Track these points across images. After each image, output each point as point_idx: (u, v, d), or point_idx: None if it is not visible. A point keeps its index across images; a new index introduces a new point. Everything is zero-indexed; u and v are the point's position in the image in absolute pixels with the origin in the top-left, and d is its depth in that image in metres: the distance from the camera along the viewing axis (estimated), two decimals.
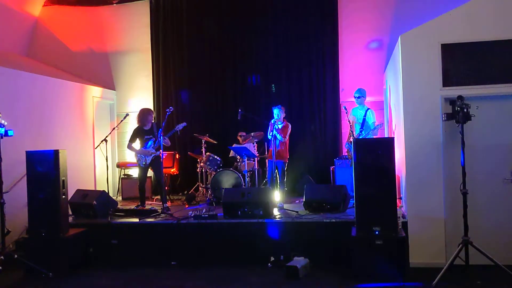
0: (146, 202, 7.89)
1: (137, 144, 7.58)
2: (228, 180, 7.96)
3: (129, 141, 7.62)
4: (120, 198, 9.20)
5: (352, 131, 7.44)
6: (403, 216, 5.88)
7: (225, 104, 9.69)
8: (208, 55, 9.75)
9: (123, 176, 9.52)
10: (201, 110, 9.75)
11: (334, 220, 6.10)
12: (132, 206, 7.59)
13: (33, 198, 5.99)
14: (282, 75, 9.46)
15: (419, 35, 5.84)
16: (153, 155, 7.42)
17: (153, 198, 8.61)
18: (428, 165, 5.73)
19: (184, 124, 7.55)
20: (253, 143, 8.44)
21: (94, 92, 9.58)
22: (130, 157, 9.51)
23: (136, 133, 7.60)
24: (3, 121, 5.56)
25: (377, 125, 7.27)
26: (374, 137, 7.28)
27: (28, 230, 6.20)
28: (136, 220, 6.63)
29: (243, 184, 7.80)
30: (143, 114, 7.62)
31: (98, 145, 8.03)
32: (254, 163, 8.27)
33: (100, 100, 9.79)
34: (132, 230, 6.52)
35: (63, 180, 6.00)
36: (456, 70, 5.70)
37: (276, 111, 7.74)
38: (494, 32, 5.64)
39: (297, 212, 6.59)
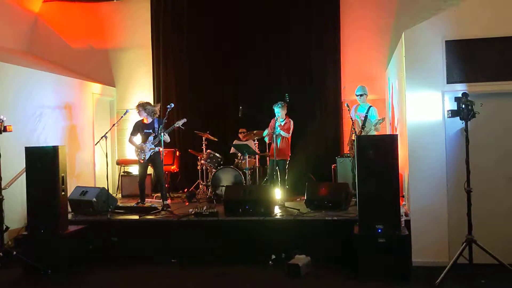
0: (146, 199, 7.84)
1: (138, 138, 7.53)
2: (228, 177, 7.90)
3: (131, 134, 7.57)
4: (120, 195, 9.15)
5: (354, 129, 7.38)
6: (406, 214, 5.81)
7: (226, 101, 9.64)
8: (209, 51, 9.69)
9: (123, 173, 9.47)
10: (202, 107, 9.70)
11: (336, 218, 6.05)
12: (132, 203, 7.53)
13: (32, 194, 5.93)
14: (283, 72, 9.41)
15: (423, 31, 5.79)
16: (151, 151, 7.35)
17: (153, 196, 8.55)
18: (432, 162, 5.69)
19: (184, 120, 7.48)
20: (254, 141, 8.39)
21: (94, 88, 9.54)
22: (130, 154, 9.46)
23: (137, 127, 7.54)
24: (2, 117, 5.51)
25: (379, 119, 7.21)
26: (377, 133, 7.23)
27: (27, 227, 6.15)
28: (136, 217, 6.59)
29: (244, 181, 7.75)
30: (153, 109, 7.52)
31: (98, 141, 7.95)
32: (255, 161, 8.22)
33: (100, 96, 9.74)
34: (132, 228, 6.49)
35: (63, 177, 5.95)
36: (460, 67, 5.66)
37: (276, 109, 7.67)
38: (498, 29, 5.59)
39: (298, 210, 6.54)
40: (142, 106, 7.45)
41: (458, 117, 5.05)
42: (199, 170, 8.70)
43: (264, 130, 8.09)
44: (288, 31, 9.41)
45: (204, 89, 9.73)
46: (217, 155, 8.37)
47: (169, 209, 7.00)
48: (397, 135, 6.11)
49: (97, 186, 8.59)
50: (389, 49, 8.63)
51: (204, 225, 6.25)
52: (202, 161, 8.44)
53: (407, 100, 5.81)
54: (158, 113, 7.62)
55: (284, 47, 9.43)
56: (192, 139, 9.30)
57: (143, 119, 7.52)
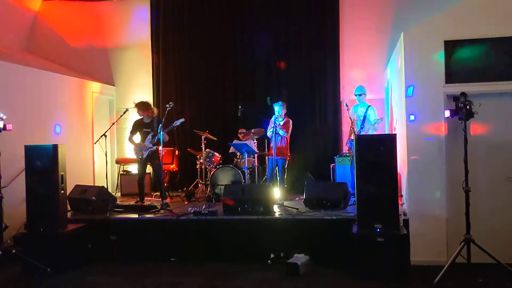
0: (146, 198, 7.85)
1: (137, 137, 7.55)
2: (227, 176, 7.91)
3: (130, 133, 7.59)
4: (119, 194, 9.16)
5: (353, 128, 7.40)
6: (405, 214, 5.84)
7: (225, 100, 9.65)
8: (209, 50, 9.70)
9: (122, 172, 9.48)
10: (201, 106, 9.71)
11: (334, 217, 6.05)
12: (131, 202, 7.55)
13: (32, 193, 5.94)
14: (283, 71, 9.42)
15: (422, 31, 5.81)
16: (149, 149, 7.37)
17: (153, 195, 8.55)
18: (430, 162, 5.70)
19: (182, 119, 7.50)
20: (253, 140, 8.40)
21: (94, 87, 9.54)
22: (130, 153, 9.46)
23: (137, 126, 7.57)
24: (1, 115, 5.52)
25: (378, 119, 7.23)
26: (376, 133, 7.25)
27: (27, 226, 6.14)
28: (135, 216, 6.60)
29: (243, 181, 7.76)
30: (147, 106, 7.56)
31: (97, 140, 8.00)
32: (254, 160, 8.23)
33: (100, 95, 9.74)
34: (131, 226, 6.49)
35: (62, 175, 5.95)
36: (460, 67, 5.68)
37: (277, 108, 7.69)
38: (498, 29, 5.60)
39: (297, 209, 6.56)
40: (139, 106, 7.50)
41: (457, 117, 5.07)
42: (198, 169, 8.72)
43: (263, 129, 8.11)
44: (287, 30, 9.43)
45: (203, 88, 9.73)
46: (216, 154, 8.37)
47: (168, 208, 7.01)
48: (395, 134, 6.12)
49: (96, 184, 8.60)
50: (389, 49, 8.64)
51: (203, 224, 6.25)
52: (201, 160, 8.45)
53: (406, 99, 5.82)
54: (156, 112, 7.65)
55: (283, 47, 9.44)
56: (191, 138, 9.31)
57: (142, 118, 7.55)
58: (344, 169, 8.02)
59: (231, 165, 8.12)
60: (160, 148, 7.29)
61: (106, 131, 7.92)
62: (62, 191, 5.98)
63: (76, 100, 8.99)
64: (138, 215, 6.59)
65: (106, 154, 7.71)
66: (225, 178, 7.90)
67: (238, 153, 8.44)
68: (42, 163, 5.88)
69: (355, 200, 5.63)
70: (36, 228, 5.90)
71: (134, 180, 7.94)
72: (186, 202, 7.86)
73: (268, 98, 7.80)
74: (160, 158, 7.30)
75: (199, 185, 8.69)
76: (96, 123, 9.44)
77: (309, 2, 9.34)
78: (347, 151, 7.94)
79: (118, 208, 7.03)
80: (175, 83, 9.87)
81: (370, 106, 7.62)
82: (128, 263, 6.09)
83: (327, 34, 9.24)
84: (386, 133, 7.94)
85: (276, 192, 7.12)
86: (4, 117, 5.57)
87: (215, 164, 8.28)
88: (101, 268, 5.98)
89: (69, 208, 6.81)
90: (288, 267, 5.47)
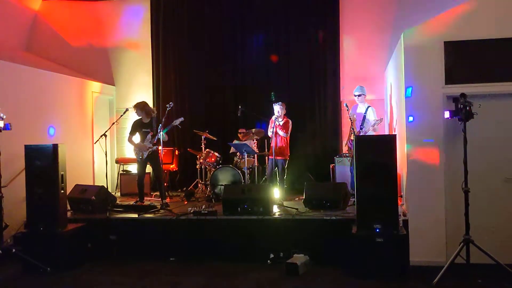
0: (145, 198, 7.86)
1: (137, 137, 7.57)
2: (227, 177, 7.92)
3: (129, 133, 7.61)
4: (119, 194, 9.15)
5: (353, 129, 7.40)
6: (404, 214, 5.85)
7: (225, 100, 9.66)
8: (209, 50, 9.70)
9: (122, 172, 9.48)
10: (201, 106, 9.71)
11: (334, 218, 6.06)
12: (131, 202, 7.55)
13: (32, 192, 5.95)
14: (283, 71, 9.43)
15: (422, 32, 5.82)
16: (149, 149, 7.38)
17: (152, 194, 8.56)
18: (430, 163, 5.70)
19: (181, 119, 7.50)
20: (253, 140, 8.41)
21: (94, 87, 9.54)
22: (129, 153, 9.47)
23: (136, 126, 7.59)
24: (1, 115, 5.52)
25: (377, 120, 7.24)
26: (375, 133, 7.26)
27: (26, 225, 6.15)
28: (135, 215, 6.61)
29: (243, 181, 7.77)
30: (144, 106, 7.58)
31: (97, 140, 7.98)
32: (254, 160, 8.24)
33: (100, 95, 9.75)
34: (131, 226, 6.50)
35: (62, 175, 5.96)
36: (459, 67, 5.68)
37: (276, 108, 7.69)
38: (497, 30, 5.61)
39: (297, 209, 6.57)
40: (139, 107, 7.51)
41: (457, 118, 5.08)
42: (198, 169, 8.72)
43: (262, 130, 8.12)
44: (287, 31, 9.43)
45: (203, 88, 9.73)
46: (216, 154, 8.38)
47: (168, 207, 7.01)
48: (395, 135, 6.13)
49: (96, 184, 8.61)
50: (388, 49, 8.64)
51: (203, 224, 6.26)
52: (201, 160, 8.45)
53: (406, 100, 5.82)
54: (155, 112, 7.68)
55: (283, 47, 9.45)
56: (191, 138, 9.31)
57: (141, 118, 7.56)
58: (344, 169, 8.02)
59: (231, 165, 8.13)
60: (160, 148, 7.29)
61: (106, 131, 7.90)
62: (62, 191, 5.99)
63: (76, 100, 8.99)
64: (138, 215, 6.60)
65: (106, 154, 7.69)
66: (225, 178, 7.91)
67: (238, 153, 8.44)
68: (42, 163, 5.89)
69: (355, 200, 5.64)
70: (36, 228, 5.91)
71: (134, 180, 7.95)
72: (186, 202, 7.86)
73: (272, 93, 7.81)
74: (160, 158, 7.31)
75: (199, 185, 8.69)
76: (96, 123, 9.45)
77: (309, 2, 9.35)
78: (347, 152, 7.94)
79: (117, 207, 7.04)
80: (175, 83, 9.88)
81: (369, 106, 7.62)
82: (127, 263, 6.09)
83: (327, 34, 9.25)
84: (386, 133, 7.95)
85: (276, 192, 7.13)
86: (4, 116, 5.57)
87: (211, 162, 8.26)
88: (100, 267, 5.98)
89: (69, 207, 6.81)
90: (288, 267, 5.48)
